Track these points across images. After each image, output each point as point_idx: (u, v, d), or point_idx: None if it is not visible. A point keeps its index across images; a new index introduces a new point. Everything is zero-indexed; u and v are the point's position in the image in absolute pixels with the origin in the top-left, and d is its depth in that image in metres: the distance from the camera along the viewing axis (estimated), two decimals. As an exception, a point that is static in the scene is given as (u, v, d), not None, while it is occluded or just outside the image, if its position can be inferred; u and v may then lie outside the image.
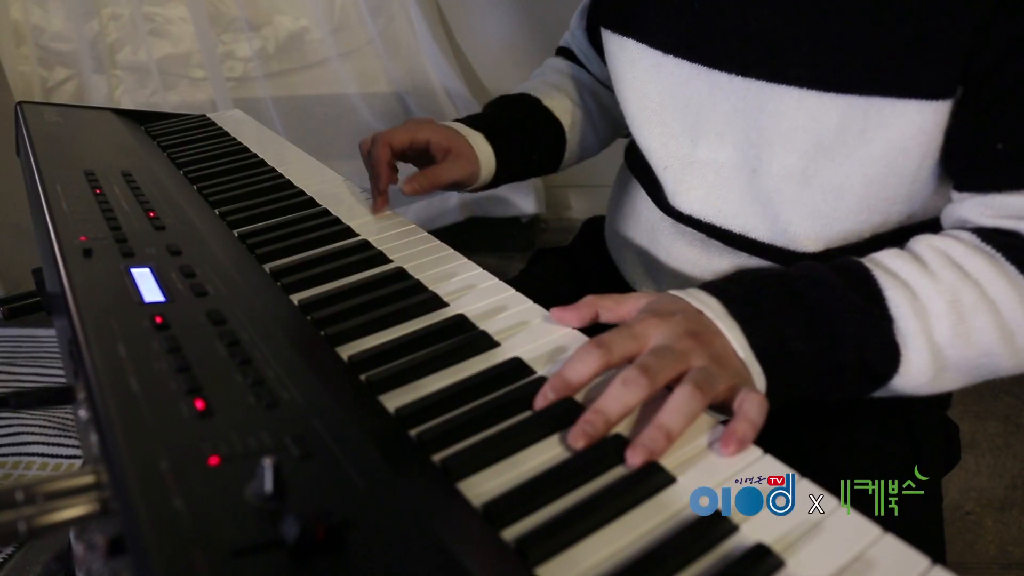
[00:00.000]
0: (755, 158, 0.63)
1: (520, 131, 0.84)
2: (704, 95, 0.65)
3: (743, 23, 0.62)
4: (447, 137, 0.76)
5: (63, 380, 1.65)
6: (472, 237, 2.00)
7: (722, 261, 0.69)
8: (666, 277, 0.74)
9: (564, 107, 0.87)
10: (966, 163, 0.56)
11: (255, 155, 0.91)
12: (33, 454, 1.43)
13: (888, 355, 0.52)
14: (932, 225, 0.61)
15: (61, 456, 1.43)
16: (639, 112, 0.72)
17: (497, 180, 0.83)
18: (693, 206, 0.68)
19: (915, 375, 0.52)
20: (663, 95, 0.69)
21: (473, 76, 2.12)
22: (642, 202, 0.76)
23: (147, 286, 0.51)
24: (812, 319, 0.51)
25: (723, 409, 0.47)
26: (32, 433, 1.46)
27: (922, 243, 0.56)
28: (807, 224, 0.62)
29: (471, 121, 0.82)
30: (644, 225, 0.76)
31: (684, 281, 0.72)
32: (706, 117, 0.66)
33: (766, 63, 0.60)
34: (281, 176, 0.84)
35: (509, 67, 2.09)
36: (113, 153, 0.86)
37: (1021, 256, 0.52)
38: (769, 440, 0.63)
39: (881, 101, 0.55)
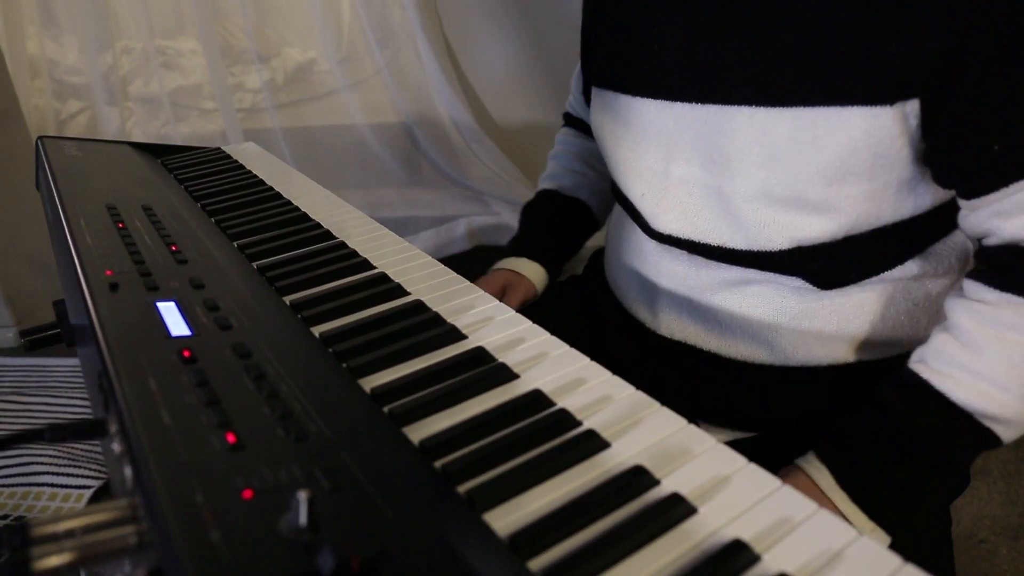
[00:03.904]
0: (720, 176, 0.67)
1: (556, 235, 0.96)
2: (671, 126, 0.70)
3: (696, 55, 0.67)
4: (496, 282, 0.91)
5: (74, 409, 1.66)
6: (480, 265, 2.01)
7: (707, 273, 0.73)
8: (659, 295, 0.78)
9: (585, 187, 0.97)
10: (967, 170, 0.59)
11: (271, 188, 0.93)
12: (43, 484, 1.43)
13: (987, 438, 0.60)
14: (905, 227, 0.66)
15: (71, 486, 1.43)
16: (615, 151, 0.77)
17: (554, 277, 0.96)
18: (672, 227, 0.73)
19: (1017, 425, 0.60)
20: (635, 133, 0.74)
21: (479, 106, 2.15)
22: (630, 227, 0.81)
23: (173, 320, 0.52)
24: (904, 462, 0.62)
25: None
26: (42, 463, 1.47)
27: (959, 312, 0.62)
28: (776, 229, 0.66)
29: (515, 247, 0.95)
30: (634, 249, 0.80)
31: (675, 296, 0.76)
32: (674, 145, 0.70)
33: (719, 88, 0.65)
34: (297, 209, 0.85)
35: (514, 97, 2.12)
36: (133, 187, 0.88)
37: None
38: (780, 460, 0.65)
39: (826, 110, 0.59)
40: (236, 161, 1.05)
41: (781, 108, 0.61)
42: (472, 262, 2.03)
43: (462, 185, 2.12)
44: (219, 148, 1.12)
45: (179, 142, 2.26)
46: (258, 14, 2.50)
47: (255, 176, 0.98)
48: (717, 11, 0.65)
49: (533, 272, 0.92)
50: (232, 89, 2.32)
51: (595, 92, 0.81)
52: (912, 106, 0.58)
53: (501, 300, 0.85)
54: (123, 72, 2.40)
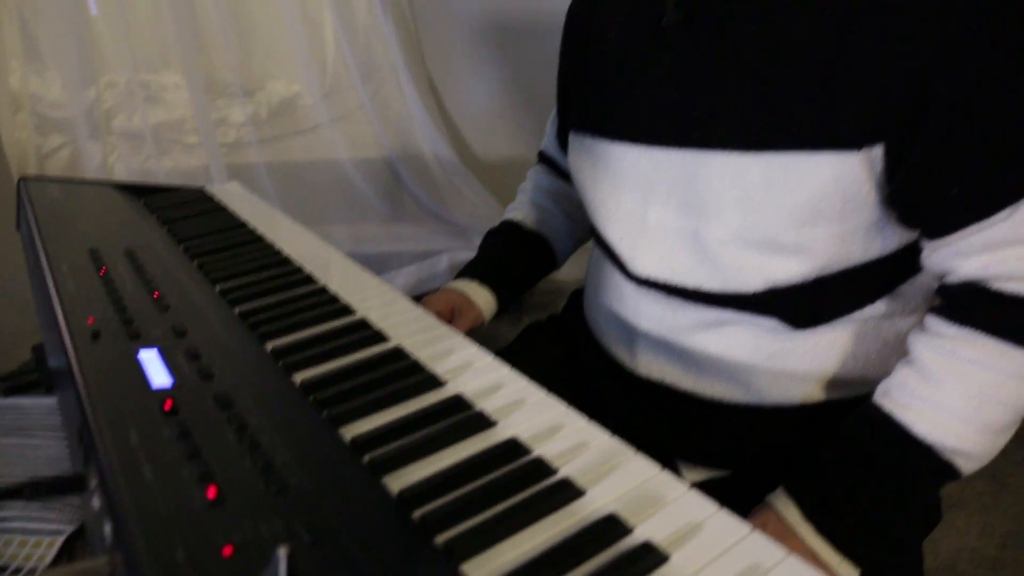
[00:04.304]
0: (696, 220, 0.69)
1: (512, 267, 0.97)
2: (648, 171, 0.72)
3: (672, 101, 0.69)
4: (447, 302, 0.90)
5: (50, 451, 1.64)
6: (462, 299, 2.03)
7: (684, 314, 0.74)
8: (637, 336, 0.79)
9: (548, 223, 0.99)
10: (929, 213, 0.62)
11: (253, 230, 0.94)
12: (15, 530, 1.41)
13: (948, 470, 0.62)
14: (874, 267, 0.68)
15: (43, 532, 1.41)
16: (594, 195, 0.79)
17: (503, 308, 0.95)
18: (649, 269, 0.74)
19: (976, 458, 0.62)
20: (613, 177, 0.76)
21: (461, 141, 2.18)
22: (608, 269, 0.82)
23: (155, 370, 0.53)
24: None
25: None
26: (12, 508, 1.44)
27: (920, 346, 0.64)
28: (751, 272, 0.68)
29: (470, 270, 0.95)
30: (612, 290, 0.81)
31: (652, 337, 0.77)
32: (652, 190, 0.72)
33: (695, 133, 0.67)
34: (279, 252, 0.86)
35: (496, 132, 2.15)
36: (115, 230, 0.88)
37: (995, 325, 0.60)
38: (755, 499, 0.66)
39: (797, 155, 0.61)
40: (219, 202, 1.06)
41: (755, 153, 0.63)
42: (454, 296, 2.04)
43: (444, 220, 2.14)
44: (202, 188, 1.13)
45: (162, 177, 2.27)
46: (243, 47, 2.53)
47: (238, 218, 0.99)
48: (692, 58, 0.68)
49: (483, 300, 0.92)
50: (216, 123, 2.33)
51: (573, 136, 0.83)
52: (877, 151, 0.60)
53: (449, 322, 0.88)
54: (106, 106, 2.41)
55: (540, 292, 2.22)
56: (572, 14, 0.87)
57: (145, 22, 2.51)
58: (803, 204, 0.63)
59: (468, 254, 2.11)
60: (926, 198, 0.61)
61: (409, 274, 2.02)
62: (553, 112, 0.98)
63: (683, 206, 0.70)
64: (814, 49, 0.60)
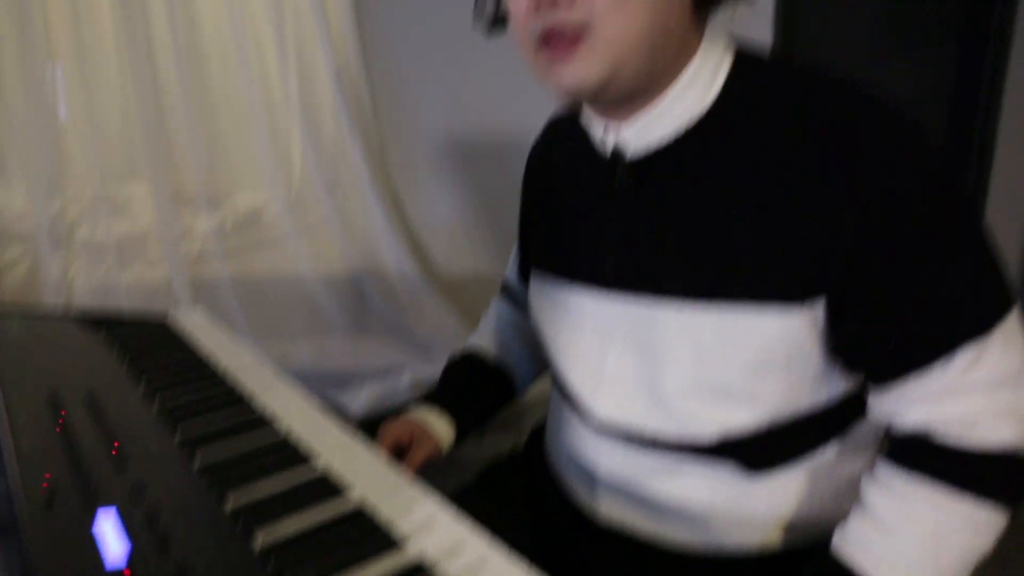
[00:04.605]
0: (653, 367, 0.71)
1: (474, 395, 0.96)
2: (607, 317, 0.74)
3: (629, 249, 0.72)
4: (406, 431, 0.89)
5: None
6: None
7: (643, 460, 0.75)
8: (597, 480, 0.79)
9: (509, 356, 0.99)
10: (871, 364, 0.66)
11: (215, 368, 0.94)
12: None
13: None
14: (823, 413, 0.70)
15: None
16: (554, 338, 0.81)
17: (462, 438, 0.94)
18: (608, 415, 0.76)
19: None
20: (573, 321, 0.78)
21: (426, 257, 2.22)
22: (568, 412, 0.83)
23: (110, 541, 0.52)
24: None
25: None
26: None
27: (872, 493, 0.66)
28: (705, 420, 0.70)
29: (431, 398, 0.94)
30: (572, 433, 0.82)
31: (612, 481, 0.78)
32: (610, 336, 0.74)
33: (650, 282, 0.70)
34: (242, 394, 0.86)
35: (460, 249, 2.19)
36: (75, 369, 0.88)
37: (942, 473, 0.63)
38: None
39: (745, 308, 0.65)
40: (181, 335, 1.06)
41: (705, 304, 0.67)
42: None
43: (407, 336, 2.15)
44: (165, 318, 1.13)
45: (122, 292, 2.25)
46: (211, 157, 2.56)
47: (200, 353, 0.99)
48: (643, 215, 0.71)
49: (442, 430, 0.91)
50: (180, 235, 2.34)
51: (536, 273, 0.85)
52: (819, 306, 0.64)
53: (407, 449, 0.87)
54: (70, 218, 2.41)
55: (505, 413, 2.22)
56: (532, 160, 0.91)
57: (114, 129, 2.54)
58: (752, 355, 0.66)
59: (431, 370, 2.12)
60: (867, 350, 0.65)
61: (371, 390, 2.00)
62: (516, 246, 1.01)
63: (640, 353, 0.72)
64: (755, 211, 0.64)
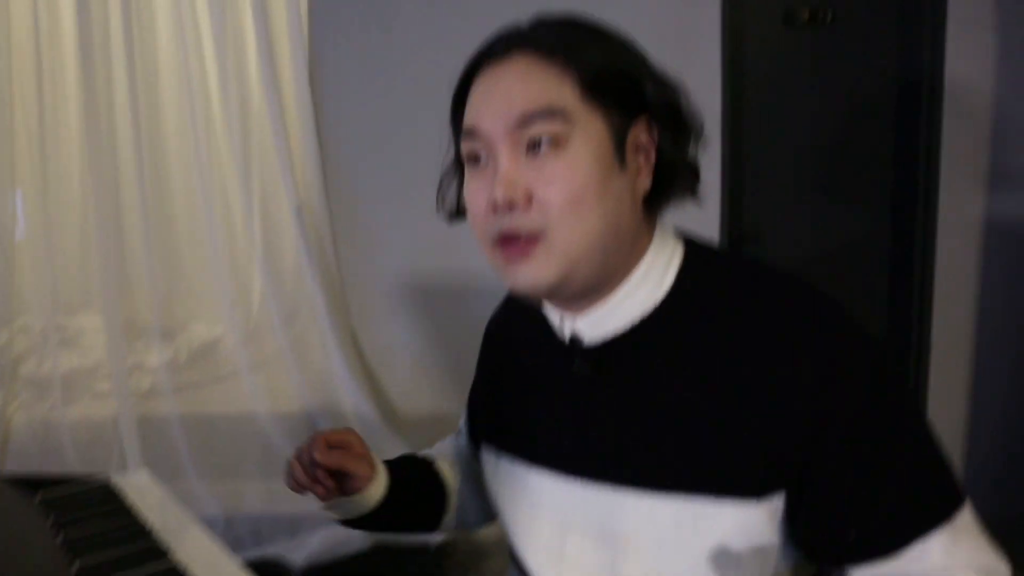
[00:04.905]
0: (613, 555, 0.70)
1: (414, 478, 0.90)
2: (567, 502, 0.73)
3: (589, 436, 0.72)
4: (361, 446, 0.81)
5: None
6: (379, 567, 1.93)
7: None
8: None
9: (453, 477, 0.94)
10: (830, 553, 0.65)
11: (156, 541, 0.89)
12: None
13: None
14: None
15: None
16: (513, 519, 0.80)
17: (380, 512, 0.84)
18: None
19: None
20: (532, 503, 0.77)
21: (383, 397, 2.19)
22: None
23: None
24: None
25: None
26: None
27: None
28: None
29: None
30: None
31: None
32: (569, 521, 0.73)
33: (610, 470, 0.70)
34: (183, 572, 0.82)
35: (418, 389, 2.17)
36: (6, 543, 0.83)
37: None
38: None
39: (703, 500, 0.64)
40: (122, 502, 1.01)
41: (665, 495, 0.66)
42: (370, 563, 1.93)
43: (363, 477, 2.08)
44: (106, 480, 1.08)
45: (65, 430, 2.16)
46: (168, 287, 2.53)
47: (141, 523, 0.94)
48: (601, 401, 0.72)
49: (381, 476, 0.83)
50: (131, 369, 2.28)
51: (493, 453, 0.84)
52: (778, 501, 0.64)
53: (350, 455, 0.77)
54: (16, 352, 2.34)
55: (461, 552, 2.14)
56: (491, 332, 0.91)
57: (71, 254, 2.51)
58: (712, 546, 0.65)
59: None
60: (825, 541, 0.65)
61: (323, 537, 1.92)
62: (465, 415, 0.97)
63: (600, 539, 0.71)
64: (708, 405, 0.65)
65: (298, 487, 0.80)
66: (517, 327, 0.85)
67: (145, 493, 1.06)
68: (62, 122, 2.37)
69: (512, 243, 0.64)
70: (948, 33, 2.07)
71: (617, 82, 0.65)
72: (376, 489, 0.82)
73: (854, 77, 2.25)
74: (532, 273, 0.64)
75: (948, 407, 2.20)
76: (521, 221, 0.63)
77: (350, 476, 0.80)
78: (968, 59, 2.08)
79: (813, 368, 0.62)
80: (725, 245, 2.17)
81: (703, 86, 1.94)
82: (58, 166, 2.38)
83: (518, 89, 0.64)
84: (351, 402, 2.09)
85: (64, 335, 2.43)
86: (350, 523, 0.86)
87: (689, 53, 1.97)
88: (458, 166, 0.73)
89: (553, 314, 0.75)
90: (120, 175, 2.32)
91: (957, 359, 2.22)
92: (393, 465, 0.88)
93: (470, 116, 0.68)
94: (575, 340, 0.73)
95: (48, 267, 2.30)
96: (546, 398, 0.77)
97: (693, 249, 0.72)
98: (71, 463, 2.08)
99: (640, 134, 0.67)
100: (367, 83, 2.15)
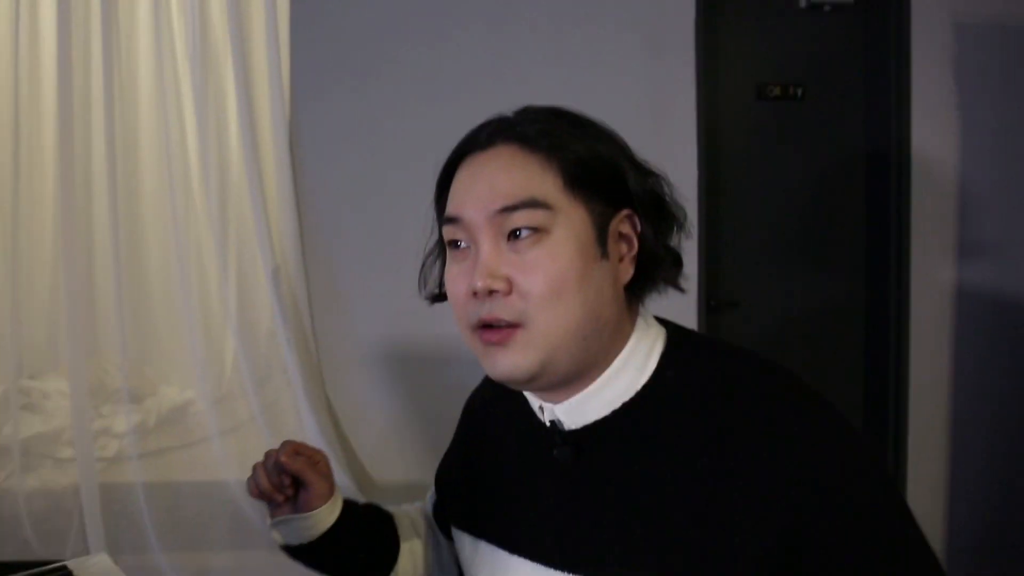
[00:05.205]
0: None
1: (370, 517, 0.88)
2: None
3: (568, 525, 0.70)
4: (325, 463, 0.81)
5: None
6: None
7: None
8: None
9: (409, 534, 0.91)
10: None
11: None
12: None
13: None
14: None
15: None
16: None
17: (326, 542, 0.82)
18: None
19: None
20: None
21: (357, 464, 2.14)
22: None
23: None
24: None
25: None
26: None
27: None
28: None
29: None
30: None
31: None
32: None
33: (588, 559, 0.68)
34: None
35: (392, 457, 2.13)
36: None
37: None
38: None
39: None
40: (80, 588, 0.97)
41: None
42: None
43: (335, 548, 2.02)
44: (64, 566, 1.03)
45: (21, 500, 2.07)
46: (139, 350, 2.47)
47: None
48: (582, 487, 0.70)
49: (337, 498, 0.82)
50: (97, 434, 2.20)
51: (469, 538, 0.81)
52: None
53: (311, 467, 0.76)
54: (-26, 417, 2.25)
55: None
56: (472, 408, 0.89)
57: (39, 317, 2.45)
58: None
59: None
60: None
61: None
62: (432, 490, 0.94)
63: None
64: (693, 496, 0.64)
65: (258, 493, 0.79)
66: (498, 405, 0.83)
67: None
68: (37, 184, 2.33)
69: (492, 330, 0.64)
70: (913, 110, 2.14)
71: (600, 174, 0.66)
72: (329, 513, 0.81)
73: (825, 150, 2.32)
74: (511, 361, 0.64)
75: (928, 465, 2.20)
76: (501, 309, 0.63)
77: (307, 490, 0.79)
78: (933, 134, 2.15)
79: (797, 460, 0.61)
80: (703, 311, 2.19)
81: (679, 156, 2.01)
82: (31, 229, 2.34)
83: (501, 179, 0.65)
84: (324, 472, 2.04)
85: (27, 399, 2.35)
86: (293, 551, 0.83)
87: (666, 125, 2.01)
88: (441, 249, 0.73)
89: (533, 398, 0.74)
90: (94, 235, 2.29)
91: (934, 420, 2.25)
92: (351, 502, 0.87)
93: (453, 203, 0.68)
94: (555, 424, 0.72)
95: (15, 329, 2.24)
96: (526, 481, 0.76)
97: (675, 336, 0.71)
98: (27, 535, 2.00)
99: (622, 224, 0.67)
100: (346, 147, 2.16)
